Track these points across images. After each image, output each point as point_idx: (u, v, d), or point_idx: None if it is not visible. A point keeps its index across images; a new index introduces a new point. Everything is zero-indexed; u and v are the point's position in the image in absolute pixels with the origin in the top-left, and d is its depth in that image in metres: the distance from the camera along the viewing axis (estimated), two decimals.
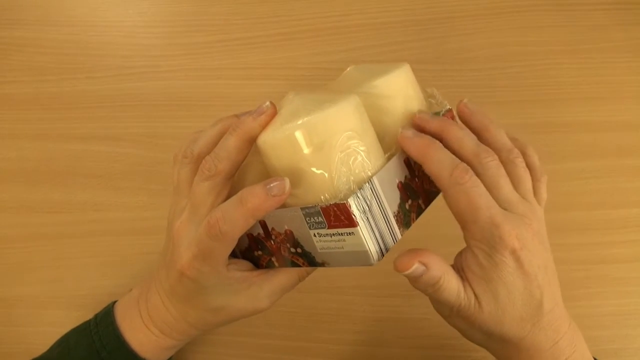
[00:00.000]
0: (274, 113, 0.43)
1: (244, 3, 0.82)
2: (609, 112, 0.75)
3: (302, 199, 0.41)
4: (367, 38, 0.80)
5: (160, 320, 0.50)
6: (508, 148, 0.45)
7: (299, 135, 0.39)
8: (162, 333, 0.50)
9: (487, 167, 0.42)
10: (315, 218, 0.40)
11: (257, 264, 0.49)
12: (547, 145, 0.73)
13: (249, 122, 0.43)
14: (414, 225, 0.43)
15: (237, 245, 0.46)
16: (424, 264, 0.41)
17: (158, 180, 0.73)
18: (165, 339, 0.50)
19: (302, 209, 0.41)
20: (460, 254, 0.44)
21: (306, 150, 0.40)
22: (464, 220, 0.42)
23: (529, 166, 0.45)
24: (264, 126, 0.43)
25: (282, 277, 0.48)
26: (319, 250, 0.42)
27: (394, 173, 0.42)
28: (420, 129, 0.45)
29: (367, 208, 0.39)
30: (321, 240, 0.41)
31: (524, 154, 0.45)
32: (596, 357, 0.48)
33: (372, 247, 0.39)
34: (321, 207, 0.39)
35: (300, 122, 0.39)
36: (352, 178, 0.40)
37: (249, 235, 0.47)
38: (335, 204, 0.38)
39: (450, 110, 0.48)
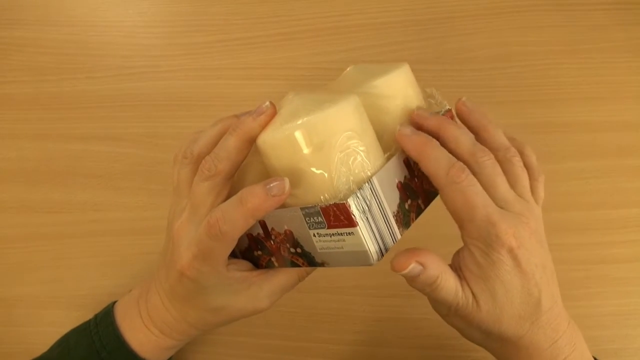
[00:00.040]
0: (274, 113, 0.43)
1: (244, 3, 0.82)
2: (609, 112, 0.75)
3: (302, 199, 0.41)
4: (367, 38, 0.80)
5: (160, 320, 0.50)
6: (505, 147, 0.45)
7: (298, 135, 0.39)
8: (162, 333, 0.50)
9: (483, 166, 0.42)
10: (315, 218, 0.40)
11: (257, 264, 0.49)
12: (547, 145, 0.73)
13: (248, 122, 0.43)
14: (413, 225, 0.43)
15: (237, 245, 0.46)
16: (421, 264, 0.41)
17: (158, 180, 0.73)
18: (165, 339, 0.50)
19: (301, 209, 0.41)
20: (457, 252, 0.44)
21: (306, 150, 0.40)
22: (461, 219, 0.42)
23: (526, 165, 0.45)
24: (264, 126, 0.43)
25: (282, 277, 0.48)
26: (319, 250, 0.42)
27: (394, 173, 0.42)
28: (418, 126, 0.45)
29: (366, 208, 0.39)
30: (321, 240, 0.41)
31: (522, 154, 0.45)
32: (596, 357, 0.48)
33: (371, 247, 0.39)
34: (321, 207, 0.39)
35: (300, 122, 0.40)
36: (352, 178, 0.40)
37: (248, 235, 0.47)
38: (335, 204, 0.38)
39: (449, 111, 0.48)
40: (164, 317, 0.50)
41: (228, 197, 0.43)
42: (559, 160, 0.73)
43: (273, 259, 0.47)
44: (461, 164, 0.41)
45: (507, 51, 0.79)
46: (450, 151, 0.43)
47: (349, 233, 0.39)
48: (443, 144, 0.43)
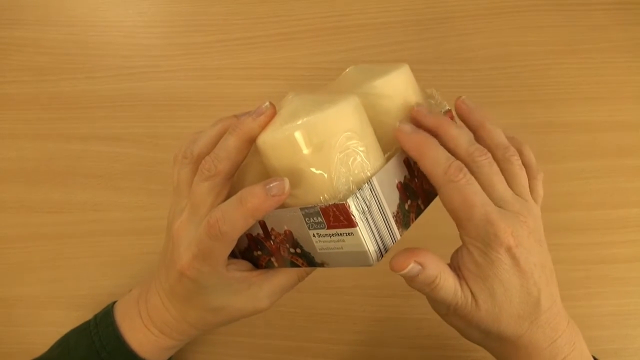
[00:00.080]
0: (274, 113, 0.43)
1: (244, 3, 0.82)
2: (608, 112, 0.75)
3: (302, 199, 0.41)
4: (367, 38, 0.80)
5: (160, 320, 0.50)
6: (504, 146, 0.45)
7: (298, 135, 0.39)
8: (161, 333, 0.50)
9: (480, 165, 0.42)
10: (315, 218, 0.40)
11: (257, 264, 0.49)
12: (547, 145, 0.73)
13: (248, 123, 0.43)
14: (412, 225, 0.43)
15: (237, 245, 0.46)
16: (420, 264, 0.41)
17: (158, 180, 0.73)
18: (165, 339, 0.50)
19: (301, 209, 0.41)
20: (456, 252, 0.44)
21: (305, 151, 0.40)
22: (459, 218, 0.41)
23: (525, 164, 0.45)
24: (264, 126, 0.43)
25: (282, 277, 0.48)
26: (318, 251, 0.42)
27: (394, 173, 0.42)
28: (417, 123, 0.45)
29: (366, 208, 0.39)
30: (320, 241, 0.41)
31: (520, 153, 0.45)
32: (595, 356, 0.48)
33: (371, 247, 0.39)
34: (320, 208, 0.39)
35: (299, 122, 0.40)
36: (352, 178, 0.40)
37: (248, 235, 0.47)
38: (335, 205, 0.38)
39: (449, 111, 0.48)
40: (164, 317, 0.50)
41: (228, 197, 0.43)
42: (559, 160, 0.73)
43: (273, 259, 0.47)
44: (459, 162, 0.41)
45: (507, 51, 0.79)
46: (449, 150, 0.43)
47: (349, 233, 0.39)
48: (441, 143, 0.43)
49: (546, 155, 0.72)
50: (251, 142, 0.44)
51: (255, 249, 0.48)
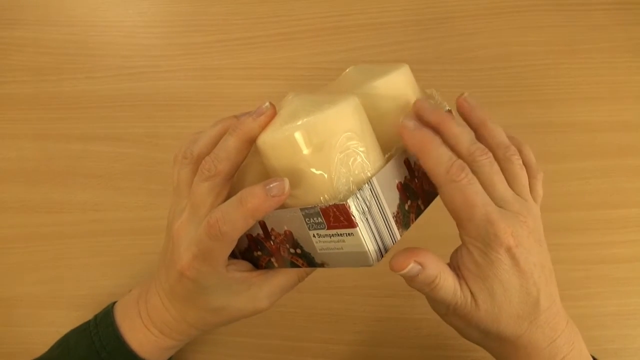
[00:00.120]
0: (274, 114, 0.43)
1: (244, 3, 0.82)
2: (608, 112, 0.75)
3: (302, 199, 0.41)
4: (367, 38, 0.80)
5: (160, 320, 0.50)
6: (505, 145, 0.44)
7: (298, 136, 0.39)
8: (161, 333, 0.50)
9: (481, 165, 0.42)
10: (315, 219, 0.40)
11: (257, 265, 0.49)
12: (547, 145, 0.73)
13: (248, 123, 0.43)
14: (412, 226, 0.43)
15: (237, 245, 0.46)
16: (419, 263, 0.41)
17: (158, 180, 0.73)
18: (164, 339, 0.50)
19: (301, 209, 0.41)
20: (455, 251, 0.44)
21: (306, 151, 0.40)
22: (460, 218, 0.41)
23: (525, 164, 0.45)
24: (264, 127, 0.43)
25: (282, 277, 0.48)
26: (319, 251, 0.42)
27: (394, 174, 0.42)
28: (419, 117, 0.44)
29: (366, 209, 0.39)
30: (320, 241, 0.41)
31: (520, 152, 0.45)
32: (594, 356, 0.48)
33: (371, 248, 0.39)
34: (320, 208, 0.39)
35: (299, 122, 0.39)
36: (352, 179, 0.40)
37: (248, 235, 0.47)
38: (335, 205, 0.38)
39: (449, 112, 0.48)
40: (164, 318, 0.50)
41: (228, 197, 0.43)
42: (559, 160, 0.73)
43: (273, 260, 0.47)
44: (461, 162, 0.41)
45: (507, 51, 0.79)
46: (450, 147, 0.42)
47: (349, 234, 0.39)
48: (443, 140, 0.43)
49: (546, 155, 0.72)
50: (251, 143, 0.44)
51: (256, 250, 0.48)
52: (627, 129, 0.74)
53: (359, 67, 0.49)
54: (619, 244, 0.69)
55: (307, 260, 0.44)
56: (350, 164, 0.40)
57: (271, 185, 0.40)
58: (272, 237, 0.45)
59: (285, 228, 0.43)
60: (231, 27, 0.81)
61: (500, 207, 0.41)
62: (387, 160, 0.43)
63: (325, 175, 0.39)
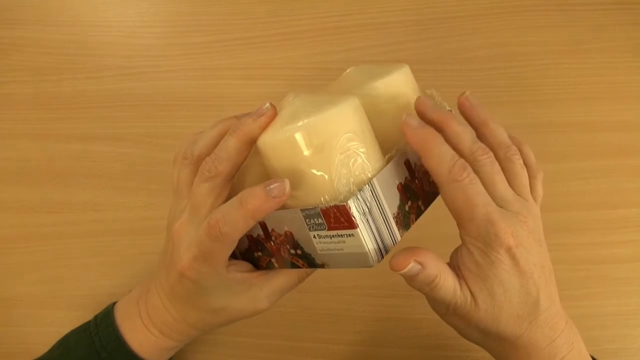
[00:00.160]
0: (274, 114, 0.43)
1: (244, 3, 0.82)
2: (608, 112, 0.75)
3: (302, 200, 0.41)
4: (367, 38, 0.80)
5: (160, 321, 0.50)
6: (506, 145, 0.44)
7: (298, 137, 0.39)
8: (161, 334, 0.50)
9: (482, 165, 0.42)
10: (315, 220, 0.40)
11: (257, 265, 0.49)
12: (547, 145, 0.73)
13: (249, 124, 0.43)
14: (412, 225, 0.43)
15: (237, 246, 0.46)
16: (419, 263, 0.41)
17: (158, 180, 0.73)
18: (165, 339, 0.50)
19: (302, 210, 0.41)
20: (455, 251, 0.44)
21: (306, 152, 0.40)
22: (461, 217, 0.41)
23: (525, 163, 0.45)
24: (264, 128, 0.43)
25: (282, 278, 0.48)
26: (319, 252, 0.42)
27: (394, 175, 0.42)
28: (421, 115, 0.44)
29: (367, 210, 0.39)
30: (321, 242, 0.41)
31: (520, 152, 0.45)
32: (594, 356, 0.48)
33: (371, 248, 0.39)
34: (321, 209, 0.39)
35: (300, 123, 0.39)
36: (352, 180, 0.40)
37: (248, 236, 0.47)
38: (335, 206, 0.38)
39: (450, 113, 0.48)
40: (164, 318, 0.50)
41: (228, 198, 0.43)
42: (559, 160, 0.73)
43: (273, 260, 0.47)
44: (463, 161, 0.41)
45: (507, 51, 0.79)
46: (451, 147, 0.42)
47: (349, 235, 0.39)
48: (444, 138, 0.43)
49: (546, 155, 0.72)
50: (251, 143, 0.43)
51: (256, 250, 0.48)
52: (627, 129, 0.75)
53: (359, 67, 0.49)
54: (619, 244, 0.69)
55: (307, 261, 0.44)
56: (350, 165, 0.40)
57: (272, 186, 0.40)
58: (273, 238, 0.45)
59: (286, 229, 0.43)
60: (231, 27, 0.81)
61: (500, 206, 0.41)
62: (388, 161, 0.43)
63: (326, 176, 0.39)
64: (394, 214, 0.41)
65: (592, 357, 0.47)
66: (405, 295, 0.66)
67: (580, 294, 0.67)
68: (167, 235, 0.48)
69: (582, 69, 0.78)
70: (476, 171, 0.42)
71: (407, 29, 0.80)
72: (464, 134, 0.43)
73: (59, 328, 0.56)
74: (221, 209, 0.42)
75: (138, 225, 0.71)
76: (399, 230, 0.41)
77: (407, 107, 0.46)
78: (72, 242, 0.70)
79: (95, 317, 0.53)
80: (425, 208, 0.45)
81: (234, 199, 0.42)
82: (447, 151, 0.41)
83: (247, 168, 0.47)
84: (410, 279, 0.42)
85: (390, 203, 0.41)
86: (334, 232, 0.39)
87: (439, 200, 0.44)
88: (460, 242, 0.43)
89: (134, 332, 0.50)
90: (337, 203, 0.38)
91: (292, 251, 0.44)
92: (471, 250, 0.41)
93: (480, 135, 0.45)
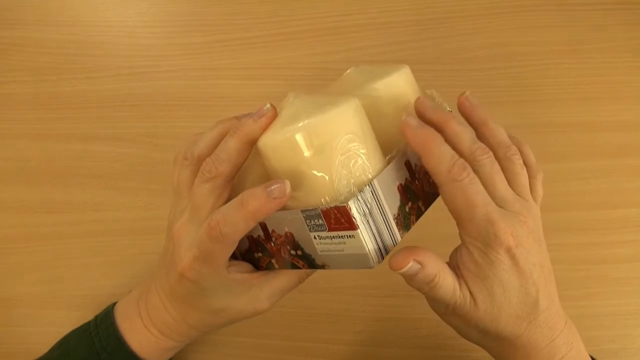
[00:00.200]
0: (275, 115, 0.43)
1: (244, 3, 0.81)
2: (608, 112, 0.75)
3: (303, 201, 0.41)
4: (367, 38, 0.80)
5: (160, 321, 0.50)
6: (506, 145, 0.44)
7: (299, 137, 0.39)
8: (161, 334, 0.50)
9: (482, 164, 0.42)
10: (316, 220, 0.40)
11: (257, 266, 0.49)
12: (547, 145, 0.73)
13: (249, 124, 0.43)
14: (413, 226, 0.43)
15: (237, 247, 0.46)
16: (419, 262, 0.41)
17: (158, 180, 0.73)
18: (165, 340, 0.50)
19: (302, 211, 0.41)
20: (455, 251, 0.44)
21: (307, 153, 0.40)
22: (460, 217, 0.41)
23: (525, 163, 0.45)
24: (265, 128, 0.43)
25: (282, 278, 0.48)
26: (319, 253, 0.42)
27: (395, 176, 0.42)
28: (421, 115, 0.44)
29: (367, 211, 0.39)
30: (321, 243, 0.41)
31: (520, 152, 0.45)
32: (593, 356, 0.48)
33: (372, 249, 0.39)
34: (322, 210, 0.39)
35: (300, 124, 0.39)
36: (353, 181, 0.40)
37: (249, 237, 0.47)
38: (336, 207, 0.38)
39: (450, 113, 0.48)
40: (164, 318, 0.50)
41: (229, 199, 0.43)
42: (559, 160, 0.73)
43: (273, 261, 0.47)
44: (463, 161, 0.41)
45: (507, 51, 0.79)
46: (451, 147, 0.42)
47: (350, 236, 0.39)
48: (444, 139, 0.43)
49: (546, 155, 0.72)
50: (252, 144, 0.44)
51: (256, 251, 0.48)
52: (627, 129, 0.75)
53: (360, 68, 0.49)
54: (619, 244, 0.69)
55: (307, 261, 0.44)
56: (351, 166, 0.40)
57: (272, 187, 0.40)
58: (273, 239, 0.45)
59: (286, 229, 0.43)
60: (231, 27, 0.81)
61: (500, 206, 0.41)
62: (388, 162, 0.43)
63: (326, 177, 0.39)
64: (394, 215, 0.41)
65: (591, 357, 0.47)
66: (405, 295, 0.66)
67: (580, 294, 0.67)
68: (168, 236, 0.48)
69: (582, 69, 0.78)
70: (476, 171, 0.42)
71: (407, 29, 0.80)
72: (464, 134, 0.43)
73: (59, 328, 0.56)
74: (222, 209, 0.42)
75: (138, 225, 0.71)
76: (399, 231, 0.41)
77: (407, 107, 0.46)
78: (72, 242, 0.70)
79: (96, 318, 0.53)
80: (426, 209, 0.45)
81: (235, 200, 0.42)
82: (447, 151, 0.41)
83: (247, 169, 0.47)
84: (409, 278, 0.42)
85: (390, 204, 0.41)
86: (335, 233, 0.39)
87: (439, 201, 0.44)
88: (460, 242, 0.43)
89: (134, 332, 0.50)
90: (338, 204, 0.38)
91: (293, 252, 0.44)
92: (471, 250, 0.42)
93: (480, 135, 0.45)
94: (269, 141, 0.42)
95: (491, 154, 0.43)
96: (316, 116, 0.39)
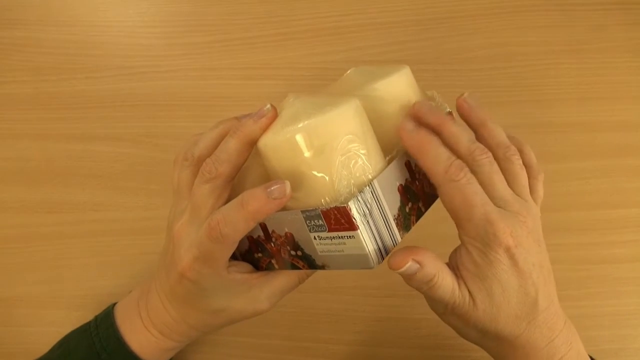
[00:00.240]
0: (275, 116, 0.43)
1: (244, 3, 0.81)
2: (608, 112, 0.75)
3: (303, 202, 0.41)
4: (367, 38, 0.80)
5: (160, 321, 0.50)
6: (505, 145, 0.44)
7: (299, 138, 0.39)
8: (161, 335, 0.50)
9: (481, 164, 0.42)
10: (316, 221, 0.40)
11: (257, 266, 0.49)
12: (547, 145, 0.73)
13: (249, 125, 0.43)
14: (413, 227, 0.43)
15: (237, 247, 0.46)
16: (418, 262, 0.41)
17: (158, 180, 0.73)
18: (165, 340, 0.50)
19: (302, 212, 0.41)
20: (454, 251, 0.44)
21: (307, 154, 0.40)
22: (459, 217, 0.41)
23: (526, 164, 0.45)
24: (265, 129, 0.43)
25: (282, 279, 0.48)
26: (319, 253, 0.42)
27: (395, 176, 0.42)
28: (418, 120, 0.44)
29: (367, 211, 0.39)
30: (321, 243, 0.41)
31: (521, 152, 0.45)
32: (593, 356, 0.48)
33: (372, 250, 0.39)
34: (322, 210, 0.39)
35: (300, 125, 0.39)
36: (353, 181, 0.40)
37: (249, 237, 0.47)
38: (336, 207, 0.38)
39: (450, 113, 0.48)
40: (164, 319, 0.50)
41: (229, 199, 0.43)
42: (559, 160, 0.73)
43: (273, 261, 0.47)
44: (460, 161, 0.41)
45: (507, 51, 0.79)
46: (449, 147, 0.42)
47: (350, 236, 0.39)
48: (442, 141, 0.43)
49: (546, 155, 0.71)
50: (252, 145, 0.44)
51: (256, 251, 0.48)
52: (627, 129, 0.74)
53: (360, 69, 0.49)
54: (619, 244, 0.69)
55: (307, 262, 0.44)
56: (351, 166, 0.40)
57: (272, 188, 0.40)
58: (273, 239, 0.45)
59: (286, 230, 0.43)
60: (231, 27, 0.80)
61: (499, 207, 0.41)
62: (388, 163, 0.43)
63: (327, 178, 0.39)
64: (394, 216, 0.41)
65: (590, 357, 0.47)
66: (405, 295, 0.66)
67: (580, 294, 0.67)
68: (168, 236, 0.48)
69: (582, 69, 0.78)
70: (475, 171, 0.42)
71: (407, 29, 0.80)
72: (461, 135, 0.43)
73: (59, 328, 0.56)
74: (222, 210, 0.42)
75: (138, 225, 0.71)
76: (399, 231, 0.41)
77: (407, 108, 0.46)
78: (72, 242, 0.70)
79: (96, 318, 0.53)
80: (426, 209, 0.45)
81: (235, 201, 0.42)
82: (443, 152, 0.41)
83: (247, 169, 0.47)
84: (408, 278, 0.42)
85: (390, 204, 0.41)
86: (335, 234, 0.39)
87: (438, 202, 0.44)
88: (459, 242, 0.43)
89: (134, 333, 0.50)
90: (338, 204, 0.38)
91: (293, 252, 0.44)
92: (470, 251, 0.42)
93: (479, 137, 0.45)
94: (269, 142, 0.42)
95: (490, 154, 0.43)
96: (316, 117, 0.39)
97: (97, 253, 0.70)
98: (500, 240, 0.40)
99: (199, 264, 0.44)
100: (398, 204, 0.42)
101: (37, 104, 0.77)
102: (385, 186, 0.41)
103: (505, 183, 0.43)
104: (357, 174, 0.40)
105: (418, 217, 0.44)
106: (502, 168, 0.43)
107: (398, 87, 0.46)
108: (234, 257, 0.49)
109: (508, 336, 0.43)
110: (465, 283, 0.42)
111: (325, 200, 0.40)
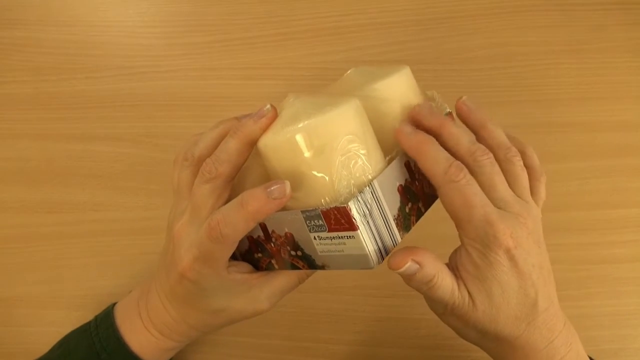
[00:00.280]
0: (275, 116, 0.43)
1: (244, 3, 0.81)
2: (608, 112, 0.75)
3: (303, 202, 0.41)
4: (367, 38, 0.80)
5: (160, 321, 0.50)
6: (506, 146, 0.44)
7: (299, 138, 0.39)
8: (161, 335, 0.50)
9: (481, 165, 0.42)
10: (316, 221, 0.40)
11: (257, 266, 0.49)
12: (547, 145, 0.73)
13: (249, 125, 0.43)
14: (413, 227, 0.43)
15: (237, 247, 0.46)
16: (417, 262, 0.41)
17: (158, 180, 0.73)
18: (165, 340, 0.50)
19: (302, 212, 0.41)
20: (454, 252, 0.44)
21: (307, 154, 0.40)
22: (459, 218, 0.41)
23: (528, 166, 0.45)
24: (265, 129, 0.43)
25: (282, 279, 0.48)
26: (319, 253, 0.42)
27: (395, 176, 0.42)
28: (417, 123, 0.44)
29: (367, 212, 0.39)
30: (321, 244, 0.41)
31: (523, 154, 0.45)
32: (592, 357, 0.48)
33: (372, 250, 0.39)
34: (322, 211, 0.39)
35: (301, 125, 0.39)
36: (353, 182, 0.40)
37: (249, 237, 0.47)
38: (336, 208, 0.38)
39: (450, 114, 0.48)
40: (164, 319, 0.50)
41: (229, 199, 0.43)
42: (559, 160, 0.73)
43: (273, 262, 0.47)
44: (459, 163, 0.41)
45: (507, 51, 0.79)
46: (450, 149, 0.42)
47: (350, 236, 0.39)
48: (442, 143, 0.43)
49: (546, 155, 0.71)
50: (252, 145, 0.44)
51: (256, 251, 0.48)
52: (627, 129, 0.74)
53: (360, 69, 0.49)
54: (619, 244, 0.69)
55: (307, 262, 0.44)
56: (351, 166, 0.40)
57: (272, 188, 0.40)
58: (273, 239, 0.45)
59: (286, 230, 0.43)
60: (231, 27, 0.80)
61: (500, 208, 0.41)
62: (388, 163, 0.43)
63: (327, 178, 0.39)
64: (394, 216, 0.41)
65: (590, 357, 0.47)
66: (405, 296, 0.66)
67: (580, 294, 0.67)
68: (168, 236, 0.48)
69: (582, 69, 0.78)
70: (476, 172, 0.42)
71: (407, 29, 0.80)
72: (462, 136, 0.43)
73: (59, 328, 0.56)
74: (222, 210, 0.42)
75: (138, 225, 0.71)
76: (399, 232, 0.41)
77: (407, 108, 0.46)
78: (72, 242, 0.70)
79: (96, 318, 0.53)
80: (426, 210, 0.45)
81: (235, 201, 0.42)
82: (442, 153, 0.42)
83: (247, 169, 0.47)
84: (408, 278, 0.42)
85: (390, 205, 0.41)
86: (335, 234, 0.39)
87: (438, 202, 0.44)
88: (459, 243, 0.43)
89: (134, 333, 0.50)
90: (338, 205, 0.38)
91: (293, 252, 0.44)
92: (470, 252, 0.42)
93: (480, 138, 0.45)
94: (269, 142, 0.42)
95: (491, 155, 0.43)
96: (316, 117, 0.39)
97: (97, 253, 0.70)
98: (500, 242, 0.40)
99: (199, 264, 0.44)
100: (398, 204, 0.42)
101: (37, 104, 0.77)
102: (385, 186, 0.41)
103: (506, 184, 0.43)
104: (357, 174, 0.40)
105: (418, 218, 0.44)
106: (503, 169, 0.43)
107: (398, 87, 0.46)
108: (234, 257, 0.49)
109: (507, 337, 0.43)
110: (465, 284, 0.42)
111: (325, 200, 0.40)
